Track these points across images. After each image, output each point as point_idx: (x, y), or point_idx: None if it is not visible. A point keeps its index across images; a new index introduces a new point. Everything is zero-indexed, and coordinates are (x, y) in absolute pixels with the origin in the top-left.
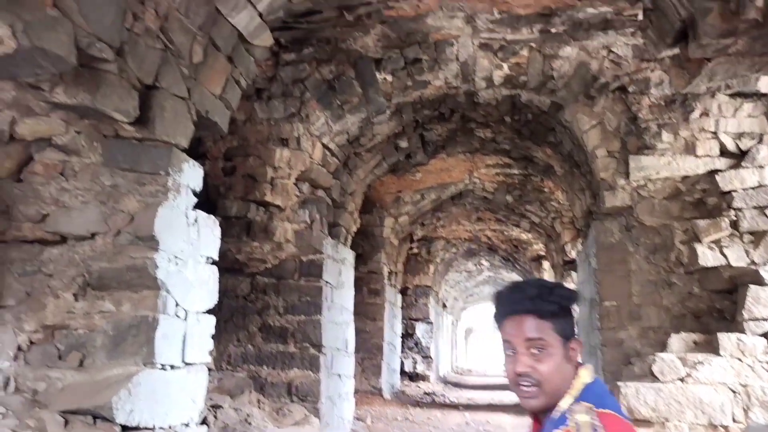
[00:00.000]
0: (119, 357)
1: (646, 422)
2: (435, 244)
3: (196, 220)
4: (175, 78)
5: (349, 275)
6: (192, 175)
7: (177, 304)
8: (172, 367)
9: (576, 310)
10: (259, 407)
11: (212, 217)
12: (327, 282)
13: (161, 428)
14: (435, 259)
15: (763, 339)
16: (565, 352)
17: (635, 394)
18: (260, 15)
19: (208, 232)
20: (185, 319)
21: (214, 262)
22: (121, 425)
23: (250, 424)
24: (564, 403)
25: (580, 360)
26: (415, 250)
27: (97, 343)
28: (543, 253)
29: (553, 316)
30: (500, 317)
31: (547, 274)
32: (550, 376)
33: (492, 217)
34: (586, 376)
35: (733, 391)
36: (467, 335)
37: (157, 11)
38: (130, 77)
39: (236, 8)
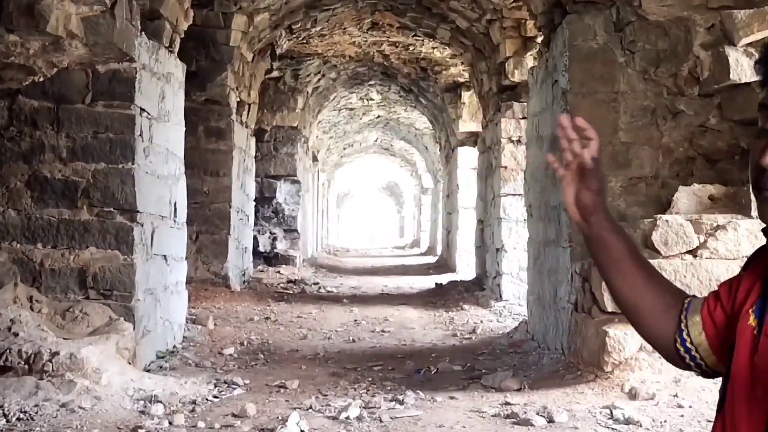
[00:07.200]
0: None
1: None
2: (306, 65)
3: None
4: None
5: (177, 101)
6: None
7: None
8: None
9: None
10: (33, 308)
11: None
12: (142, 109)
13: None
14: (306, 87)
15: None
16: None
17: None
18: None
19: None
20: None
21: None
22: None
23: (16, 335)
24: None
25: None
26: (277, 74)
27: None
28: (464, 79)
29: None
30: None
31: (468, 110)
32: None
33: (394, 21)
34: None
35: None
36: (340, 202)
37: None
38: None
39: None
